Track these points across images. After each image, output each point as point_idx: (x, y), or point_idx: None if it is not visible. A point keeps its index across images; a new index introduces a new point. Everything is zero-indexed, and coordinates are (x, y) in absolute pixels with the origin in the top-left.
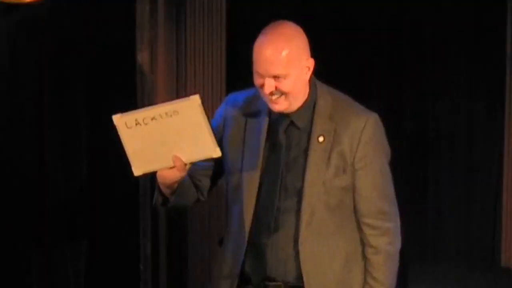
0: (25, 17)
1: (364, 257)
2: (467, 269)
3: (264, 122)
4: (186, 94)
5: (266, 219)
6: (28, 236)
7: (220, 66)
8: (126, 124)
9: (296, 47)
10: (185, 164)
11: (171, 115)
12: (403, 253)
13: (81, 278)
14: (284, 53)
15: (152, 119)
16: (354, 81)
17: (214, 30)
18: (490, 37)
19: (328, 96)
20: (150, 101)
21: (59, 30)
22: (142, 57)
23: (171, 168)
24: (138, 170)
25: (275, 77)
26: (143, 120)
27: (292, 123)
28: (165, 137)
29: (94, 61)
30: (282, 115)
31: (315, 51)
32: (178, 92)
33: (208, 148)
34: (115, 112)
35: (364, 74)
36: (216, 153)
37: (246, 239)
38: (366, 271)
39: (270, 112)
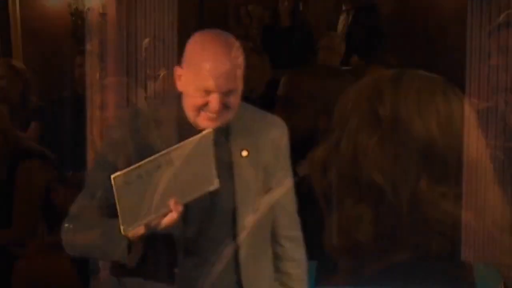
0: None
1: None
2: (426, 263)
3: (176, 141)
4: (137, 81)
5: (199, 249)
6: None
7: (172, 51)
8: (126, 181)
9: (242, 57)
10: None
11: (180, 157)
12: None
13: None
14: (239, 66)
15: (159, 167)
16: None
17: (166, 14)
18: (451, 27)
19: (238, 107)
20: (99, 87)
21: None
22: (92, 44)
23: (165, 214)
24: (128, 227)
25: (226, 92)
26: (146, 172)
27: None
28: (167, 183)
29: (44, 48)
30: (195, 131)
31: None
32: (129, 79)
33: (207, 181)
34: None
35: None
36: (215, 184)
37: (176, 277)
38: (283, 286)
39: (180, 130)
